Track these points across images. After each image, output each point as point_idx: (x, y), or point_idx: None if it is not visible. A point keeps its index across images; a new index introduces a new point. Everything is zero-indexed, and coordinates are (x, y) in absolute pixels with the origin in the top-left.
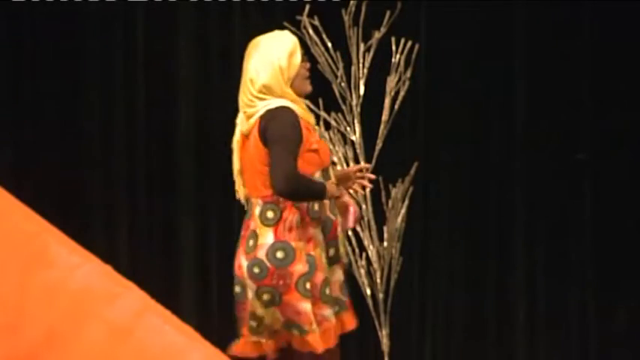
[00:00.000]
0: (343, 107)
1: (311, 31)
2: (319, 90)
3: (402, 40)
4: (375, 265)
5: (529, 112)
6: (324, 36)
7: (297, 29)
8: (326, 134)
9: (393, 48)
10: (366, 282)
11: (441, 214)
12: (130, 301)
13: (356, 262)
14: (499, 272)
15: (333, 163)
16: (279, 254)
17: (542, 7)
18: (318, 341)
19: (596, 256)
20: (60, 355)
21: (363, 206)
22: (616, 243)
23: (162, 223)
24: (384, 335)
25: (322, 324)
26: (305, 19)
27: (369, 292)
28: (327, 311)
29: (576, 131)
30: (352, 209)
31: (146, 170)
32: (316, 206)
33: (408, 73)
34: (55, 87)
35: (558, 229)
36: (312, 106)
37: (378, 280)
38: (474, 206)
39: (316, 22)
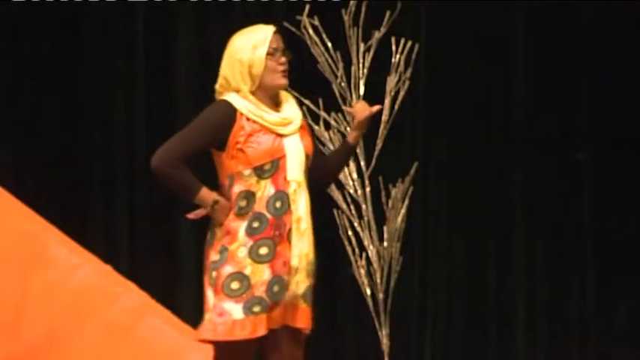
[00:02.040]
0: (343, 107)
1: (311, 31)
2: (319, 90)
3: (402, 40)
4: (375, 265)
5: (529, 112)
6: (324, 36)
7: (297, 29)
8: (326, 134)
9: (393, 48)
10: (366, 282)
11: (441, 214)
12: (130, 301)
13: (356, 262)
14: (499, 272)
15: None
16: (208, 236)
17: (543, 7)
18: (202, 330)
19: (596, 256)
20: (60, 355)
21: (363, 206)
22: (616, 243)
23: (162, 223)
24: (384, 335)
25: (222, 316)
26: (305, 19)
27: (369, 292)
28: (230, 305)
29: (576, 131)
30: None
31: (146, 170)
32: (243, 202)
33: (408, 73)
34: (55, 87)
35: (558, 229)
36: (311, 106)
37: (378, 280)
38: (474, 206)
39: (316, 22)
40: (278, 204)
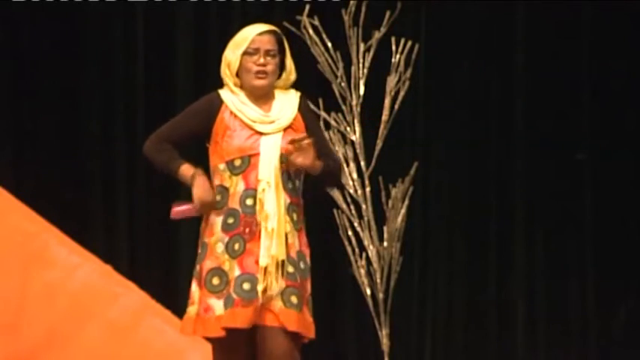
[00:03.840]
0: (343, 107)
1: (311, 31)
2: (319, 90)
3: (402, 40)
4: (375, 265)
5: (529, 112)
6: (324, 36)
7: (297, 29)
8: (326, 134)
9: (393, 48)
10: (366, 282)
11: (441, 214)
12: (131, 301)
13: (356, 262)
14: (499, 272)
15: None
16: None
17: (543, 7)
18: (189, 324)
19: (596, 256)
20: (60, 355)
21: (363, 206)
22: (616, 243)
23: (162, 223)
24: (384, 335)
25: (207, 312)
26: (305, 19)
27: (369, 292)
28: (213, 301)
29: (576, 131)
30: (179, 208)
31: (145, 170)
32: (218, 196)
33: (408, 73)
34: (55, 87)
35: (558, 229)
36: (312, 107)
37: (378, 280)
38: (474, 206)
39: (316, 22)
40: (249, 201)
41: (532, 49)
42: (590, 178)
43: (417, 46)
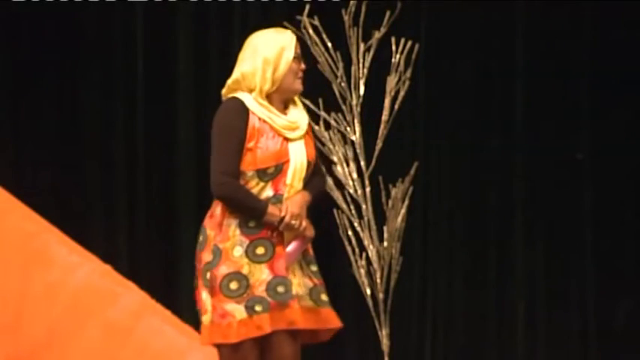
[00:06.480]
0: (343, 107)
1: (311, 31)
2: (319, 90)
3: (402, 40)
4: (375, 265)
5: (529, 112)
6: (324, 36)
7: (297, 29)
8: (326, 134)
9: (393, 48)
10: (366, 282)
11: (441, 214)
12: (130, 301)
13: (356, 262)
14: (499, 272)
15: (333, 163)
16: (200, 238)
17: (543, 7)
18: (205, 333)
19: (596, 256)
20: (60, 355)
21: (363, 206)
22: (616, 243)
23: (162, 223)
24: (384, 335)
25: (224, 317)
26: (305, 19)
27: (369, 292)
28: (232, 306)
29: (576, 131)
30: (291, 248)
31: (146, 170)
32: None
33: (408, 73)
34: (55, 87)
35: (558, 229)
36: (311, 106)
37: (378, 280)
38: (474, 206)
39: (316, 22)
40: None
41: (532, 49)
42: (590, 178)
43: (417, 46)
